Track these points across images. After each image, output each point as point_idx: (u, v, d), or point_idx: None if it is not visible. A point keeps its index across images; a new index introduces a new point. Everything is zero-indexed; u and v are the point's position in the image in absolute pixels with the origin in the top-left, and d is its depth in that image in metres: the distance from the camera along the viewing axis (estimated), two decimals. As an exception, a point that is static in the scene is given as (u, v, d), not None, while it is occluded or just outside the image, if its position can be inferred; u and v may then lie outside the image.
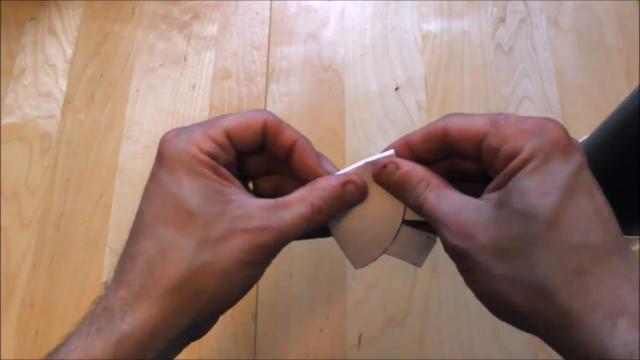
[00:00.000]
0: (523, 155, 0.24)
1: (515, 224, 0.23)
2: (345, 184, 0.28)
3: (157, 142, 0.29)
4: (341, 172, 0.29)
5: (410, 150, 0.28)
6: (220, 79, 0.60)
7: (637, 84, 0.37)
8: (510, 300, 0.23)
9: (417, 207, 0.27)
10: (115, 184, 0.55)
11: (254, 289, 0.50)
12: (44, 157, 0.57)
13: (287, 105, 0.58)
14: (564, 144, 0.24)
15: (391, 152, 0.29)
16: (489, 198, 0.25)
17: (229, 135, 0.27)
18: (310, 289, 0.50)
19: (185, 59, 0.61)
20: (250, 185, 0.30)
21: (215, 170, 0.26)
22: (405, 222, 0.30)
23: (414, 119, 0.56)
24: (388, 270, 0.50)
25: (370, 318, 0.49)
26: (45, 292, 0.52)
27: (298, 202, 0.27)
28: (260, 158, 0.30)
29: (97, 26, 0.63)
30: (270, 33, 0.61)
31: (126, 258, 0.26)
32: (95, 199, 0.55)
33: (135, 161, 0.56)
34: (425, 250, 0.31)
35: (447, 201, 0.26)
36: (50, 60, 0.61)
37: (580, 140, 0.47)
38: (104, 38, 0.62)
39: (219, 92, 0.59)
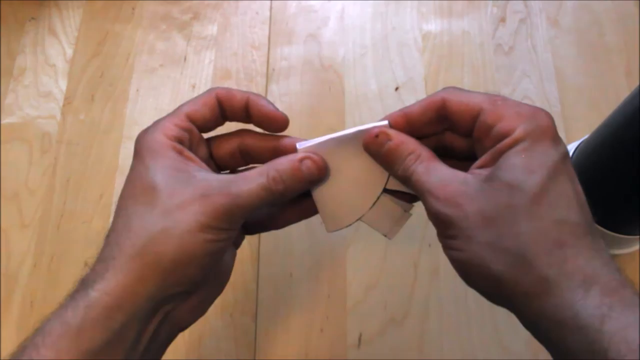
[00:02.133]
0: (515, 135, 0.25)
1: (503, 195, 0.25)
2: (302, 159, 0.29)
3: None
4: (328, 137, 0.30)
5: (408, 121, 0.29)
6: (220, 79, 0.59)
7: (637, 84, 0.37)
8: (489, 266, 0.25)
9: (406, 179, 0.28)
10: (115, 184, 0.55)
11: (254, 288, 0.51)
12: (44, 157, 0.57)
13: (287, 105, 0.58)
14: (553, 133, 0.26)
15: (385, 122, 0.29)
16: (477, 173, 0.26)
17: (190, 118, 0.30)
18: (310, 289, 0.50)
19: (185, 59, 0.61)
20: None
21: (180, 153, 0.28)
22: (385, 190, 0.31)
23: (414, 119, 0.56)
24: (388, 270, 0.50)
25: (370, 318, 0.49)
26: (45, 292, 0.52)
27: (257, 175, 0.28)
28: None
29: (97, 26, 0.63)
30: (270, 33, 0.61)
31: (104, 240, 0.28)
32: (95, 199, 0.55)
33: (135, 161, 0.56)
34: (399, 222, 0.32)
35: (436, 173, 0.27)
36: (50, 60, 0.61)
37: (580, 140, 0.47)
38: (104, 38, 0.62)
39: (219, 92, 0.59)
